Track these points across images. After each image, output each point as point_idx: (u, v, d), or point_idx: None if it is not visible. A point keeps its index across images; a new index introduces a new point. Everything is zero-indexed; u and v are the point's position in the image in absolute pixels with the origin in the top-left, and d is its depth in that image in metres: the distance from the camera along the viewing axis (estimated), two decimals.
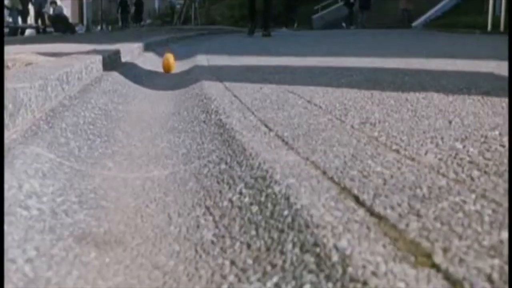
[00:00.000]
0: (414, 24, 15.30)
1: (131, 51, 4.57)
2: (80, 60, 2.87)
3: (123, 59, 4.12)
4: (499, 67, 2.98)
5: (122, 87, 2.84)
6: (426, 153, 1.18)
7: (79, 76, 2.62)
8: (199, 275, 0.85)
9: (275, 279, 0.75)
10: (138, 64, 4.19)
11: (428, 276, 0.63)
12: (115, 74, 3.10)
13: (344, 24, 17.21)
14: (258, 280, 0.77)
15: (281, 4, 17.08)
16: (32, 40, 6.84)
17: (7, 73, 2.17)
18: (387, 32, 11.21)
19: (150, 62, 4.61)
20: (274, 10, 10.54)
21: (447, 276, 0.62)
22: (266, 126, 1.56)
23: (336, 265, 0.69)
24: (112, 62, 3.52)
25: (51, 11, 16.51)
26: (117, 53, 3.91)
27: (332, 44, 6.59)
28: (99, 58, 3.20)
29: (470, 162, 1.10)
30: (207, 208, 1.13)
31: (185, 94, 2.65)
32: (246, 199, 1.08)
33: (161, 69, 3.91)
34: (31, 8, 16.63)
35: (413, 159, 1.14)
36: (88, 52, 3.58)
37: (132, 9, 19.59)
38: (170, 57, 3.93)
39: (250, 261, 0.84)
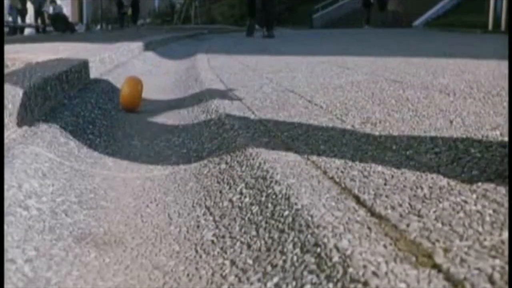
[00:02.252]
0: (415, 23, 15.28)
1: (131, 50, 4.56)
2: None
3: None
4: (499, 66, 2.98)
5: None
6: (426, 153, 1.18)
7: None
8: (199, 275, 0.85)
9: (275, 280, 0.75)
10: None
11: (429, 276, 0.63)
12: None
13: (366, 26, 17.11)
14: (259, 280, 0.77)
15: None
16: (31, 39, 6.83)
17: None
18: (388, 31, 11.21)
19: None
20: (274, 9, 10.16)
21: (448, 277, 0.62)
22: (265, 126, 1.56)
23: (336, 265, 0.69)
24: (58, 91, 2.11)
25: (50, 10, 16.50)
26: (80, 67, 2.54)
27: (333, 44, 6.58)
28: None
29: (471, 162, 1.10)
30: (207, 208, 1.13)
31: None
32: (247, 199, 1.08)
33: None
34: (29, 7, 16.63)
35: (413, 159, 1.14)
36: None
37: (129, 10, 19.61)
38: (131, 83, 2.33)
39: (250, 261, 0.84)
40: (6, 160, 1.24)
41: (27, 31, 16.78)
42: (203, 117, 1.96)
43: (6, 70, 2.21)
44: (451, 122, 1.51)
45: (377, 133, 1.40)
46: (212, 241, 0.96)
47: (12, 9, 15.73)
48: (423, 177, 1.01)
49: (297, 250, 0.79)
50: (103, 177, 1.41)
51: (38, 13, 16.76)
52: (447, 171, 1.04)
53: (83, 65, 2.69)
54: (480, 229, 0.75)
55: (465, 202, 0.87)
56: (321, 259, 0.73)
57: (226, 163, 1.34)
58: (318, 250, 0.75)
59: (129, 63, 3.94)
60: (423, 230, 0.76)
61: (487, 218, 0.79)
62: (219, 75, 2.98)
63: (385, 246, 0.71)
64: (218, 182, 1.25)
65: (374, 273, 0.64)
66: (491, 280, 0.61)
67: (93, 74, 2.87)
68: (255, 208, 1.02)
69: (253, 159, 1.24)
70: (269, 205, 0.99)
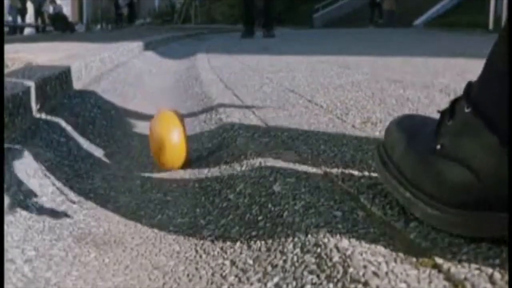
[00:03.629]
0: (415, 23, 15.27)
1: (131, 50, 4.56)
2: None
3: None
4: None
5: None
6: None
7: None
8: (199, 275, 0.85)
9: (275, 280, 0.75)
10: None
11: (430, 276, 0.63)
12: None
13: (380, 21, 17.14)
14: (259, 280, 0.77)
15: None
16: (31, 39, 6.83)
17: None
18: (388, 31, 11.21)
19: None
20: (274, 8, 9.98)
21: (449, 277, 0.62)
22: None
23: (337, 265, 0.69)
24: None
25: (50, 10, 16.52)
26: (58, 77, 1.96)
27: (334, 44, 6.58)
28: None
29: None
30: (207, 208, 1.13)
31: None
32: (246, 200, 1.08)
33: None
34: (29, 6, 16.66)
35: None
36: None
37: (126, 10, 19.66)
38: (169, 126, 1.43)
39: (250, 262, 0.83)
40: None
41: (27, 30, 16.80)
42: (203, 117, 1.95)
43: (6, 70, 2.21)
44: None
45: (377, 133, 1.40)
46: (212, 241, 0.96)
47: (12, 9, 15.76)
48: None
49: (297, 250, 0.78)
50: (102, 177, 1.41)
51: (38, 12, 16.79)
52: None
53: (63, 75, 2.00)
54: None
55: None
56: (321, 259, 0.73)
57: (226, 162, 1.34)
58: (319, 250, 0.75)
59: (129, 62, 3.94)
60: (423, 230, 0.76)
61: None
62: (219, 75, 2.98)
63: (385, 246, 0.71)
64: (218, 182, 1.25)
65: (374, 273, 0.64)
66: (491, 280, 0.60)
67: (91, 75, 2.86)
68: (254, 208, 1.02)
69: (253, 158, 1.24)
70: (269, 205, 0.99)
